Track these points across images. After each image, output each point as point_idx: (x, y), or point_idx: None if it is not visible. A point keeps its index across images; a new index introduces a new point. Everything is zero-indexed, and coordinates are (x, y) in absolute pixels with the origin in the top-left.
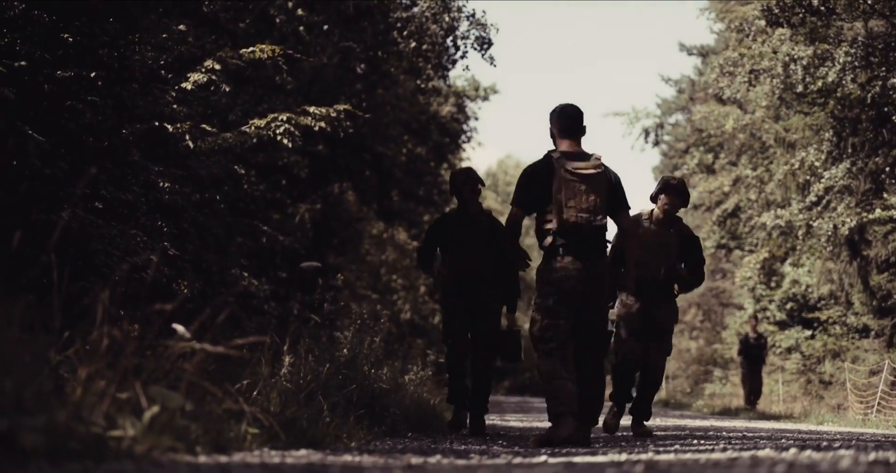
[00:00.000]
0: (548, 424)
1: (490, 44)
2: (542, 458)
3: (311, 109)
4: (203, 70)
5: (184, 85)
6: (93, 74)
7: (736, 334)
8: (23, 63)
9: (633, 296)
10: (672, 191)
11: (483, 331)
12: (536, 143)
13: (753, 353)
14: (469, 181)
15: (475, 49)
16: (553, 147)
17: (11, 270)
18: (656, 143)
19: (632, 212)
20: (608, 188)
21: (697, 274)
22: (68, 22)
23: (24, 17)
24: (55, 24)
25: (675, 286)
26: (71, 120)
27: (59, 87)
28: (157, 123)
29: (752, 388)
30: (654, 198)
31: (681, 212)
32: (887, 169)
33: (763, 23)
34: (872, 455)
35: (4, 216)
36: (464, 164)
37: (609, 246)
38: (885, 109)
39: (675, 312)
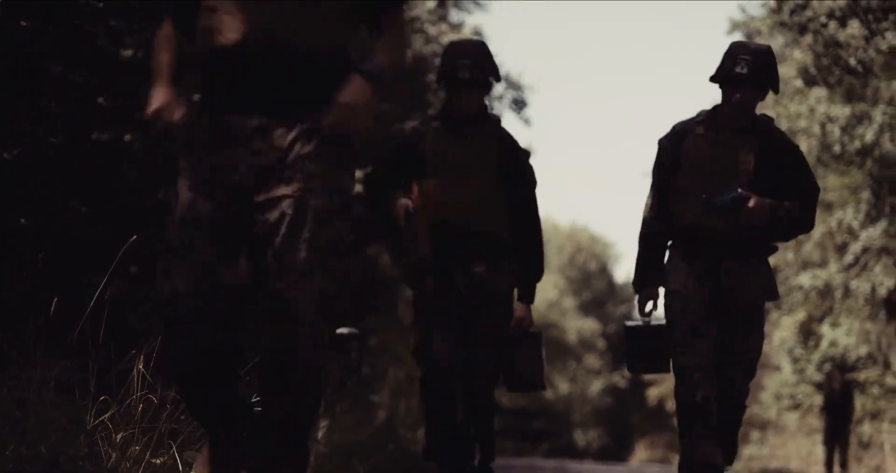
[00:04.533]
0: None
1: (525, 104)
2: None
3: None
4: None
5: None
6: (128, 137)
7: (793, 386)
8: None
9: (684, 261)
10: (743, 82)
11: (482, 335)
12: (574, 206)
13: (839, 406)
14: (468, 57)
15: (511, 110)
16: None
17: (49, 335)
18: None
19: None
20: None
21: (805, 210)
22: (108, 83)
23: (62, 79)
24: (93, 86)
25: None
26: (109, 183)
27: (98, 150)
28: None
29: (840, 449)
30: (717, 80)
31: None
32: None
33: (800, 82)
34: None
35: (45, 280)
36: None
37: None
38: None
39: (768, 281)
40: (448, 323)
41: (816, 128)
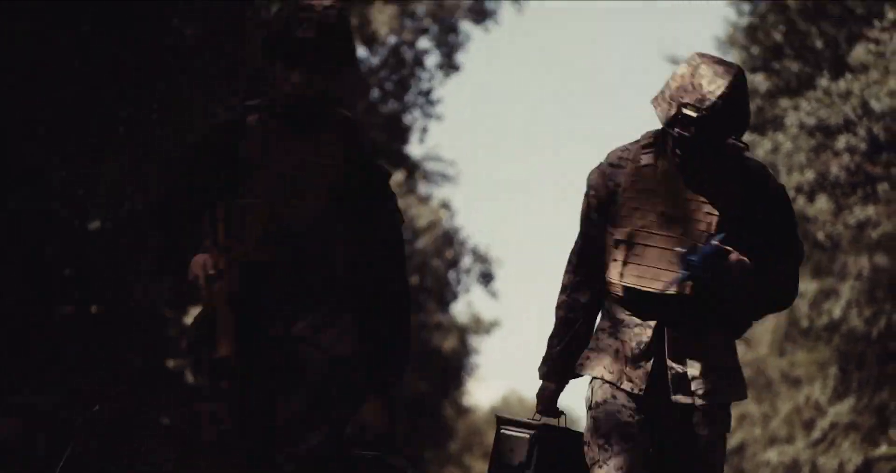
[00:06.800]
0: None
1: (492, 278)
2: None
3: None
4: None
5: (186, 319)
6: (93, 309)
7: None
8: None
9: (613, 337)
10: (687, 144)
11: (301, 445)
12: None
13: None
14: (313, 12)
15: (479, 282)
16: None
17: None
18: None
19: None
20: None
21: (789, 272)
22: (68, 256)
23: (29, 255)
24: (55, 260)
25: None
26: (67, 358)
27: (58, 323)
28: (155, 359)
29: None
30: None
31: None
32: (892, 404)
33: None
34: None
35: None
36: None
37: None
38: (890, 345)
39: (734, 372)
40: (248, 417)
41: None
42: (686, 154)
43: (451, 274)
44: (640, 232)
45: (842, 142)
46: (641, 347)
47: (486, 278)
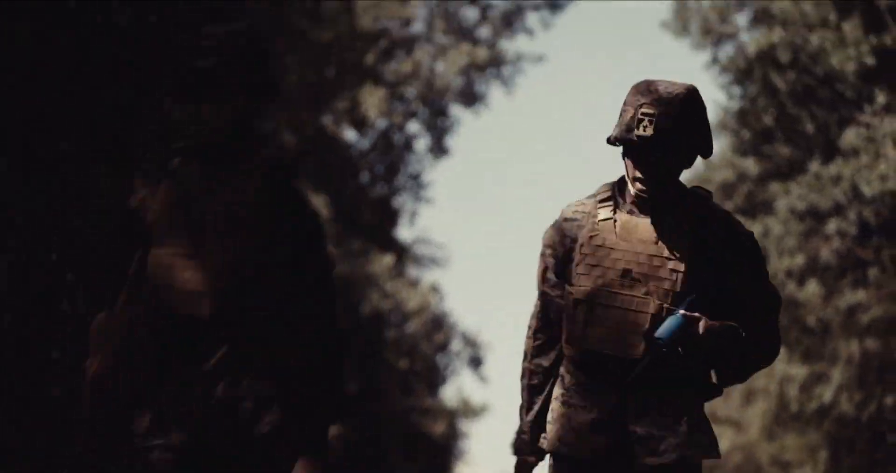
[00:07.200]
0: None
1: (481, 362)
2: None
3: None
4: None
5: None
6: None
7: None
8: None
9: (575, 407)
10: (648, 148)
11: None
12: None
13: None
14: (216, 40)
15: (468, 366)
16: None
17: None
18: None
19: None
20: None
21: (767, 333)
22: (54, 337)
23: (10, 331)
24: (44, 342)
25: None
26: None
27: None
28: None
29: None
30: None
31: None
32: None
33: None
34: None
35: None
36: None
37: None
38: (880, 429)
39: (703, 432)
40: None
41: (774, 388)
42: (646, 175)
43: (441, 358)
44: (600, 291)
45: (832, 226)
46: (605, 414)
47: (476, 362)
